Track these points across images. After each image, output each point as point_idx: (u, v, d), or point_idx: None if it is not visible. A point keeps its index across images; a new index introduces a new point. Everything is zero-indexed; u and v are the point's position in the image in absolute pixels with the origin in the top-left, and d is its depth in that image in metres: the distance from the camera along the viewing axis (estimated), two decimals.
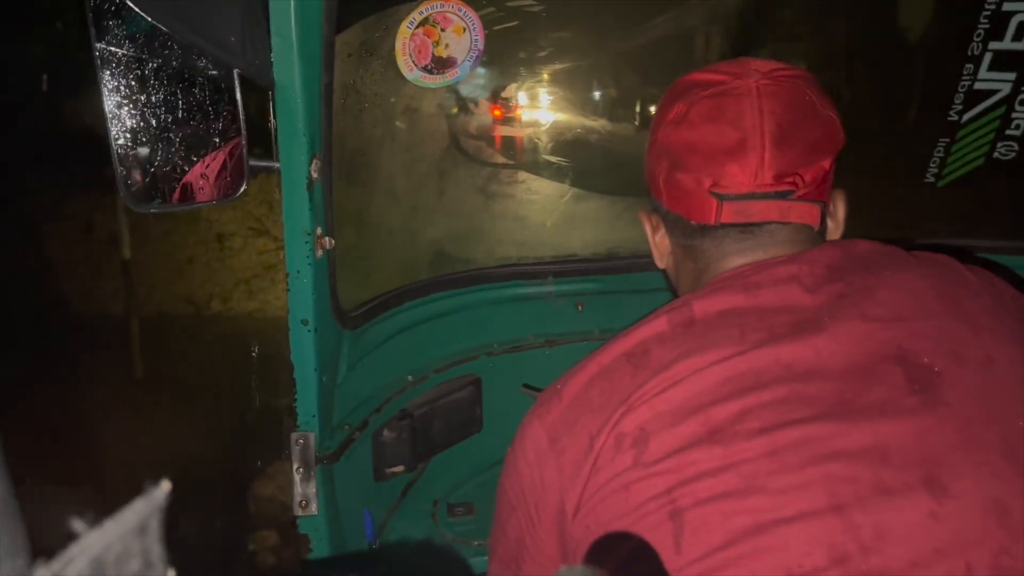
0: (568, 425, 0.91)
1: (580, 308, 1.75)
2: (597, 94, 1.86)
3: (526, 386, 1.60)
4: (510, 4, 1.41)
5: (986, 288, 0.93)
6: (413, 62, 1.30)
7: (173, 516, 0.37)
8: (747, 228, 0.98)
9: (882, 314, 0.87)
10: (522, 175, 1.79)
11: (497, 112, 1.74)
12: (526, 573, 0.97)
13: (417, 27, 1.28)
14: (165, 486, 0.37)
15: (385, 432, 1.40)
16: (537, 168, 1.88)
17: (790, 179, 0.94)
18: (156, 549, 0.37)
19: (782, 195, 0.95)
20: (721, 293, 0.93)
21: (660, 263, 1.11)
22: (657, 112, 1.06)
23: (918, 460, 0.77)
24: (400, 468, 1.43)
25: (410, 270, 1.67)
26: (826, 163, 0.96)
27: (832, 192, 1.02)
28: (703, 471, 0.80)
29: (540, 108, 1.80)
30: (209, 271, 7.05)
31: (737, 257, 0.99)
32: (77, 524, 0.34)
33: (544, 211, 1.83)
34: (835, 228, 1.04)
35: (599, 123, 1.90)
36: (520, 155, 1.83)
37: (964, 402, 0.80)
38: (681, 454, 0.81)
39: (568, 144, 1.89)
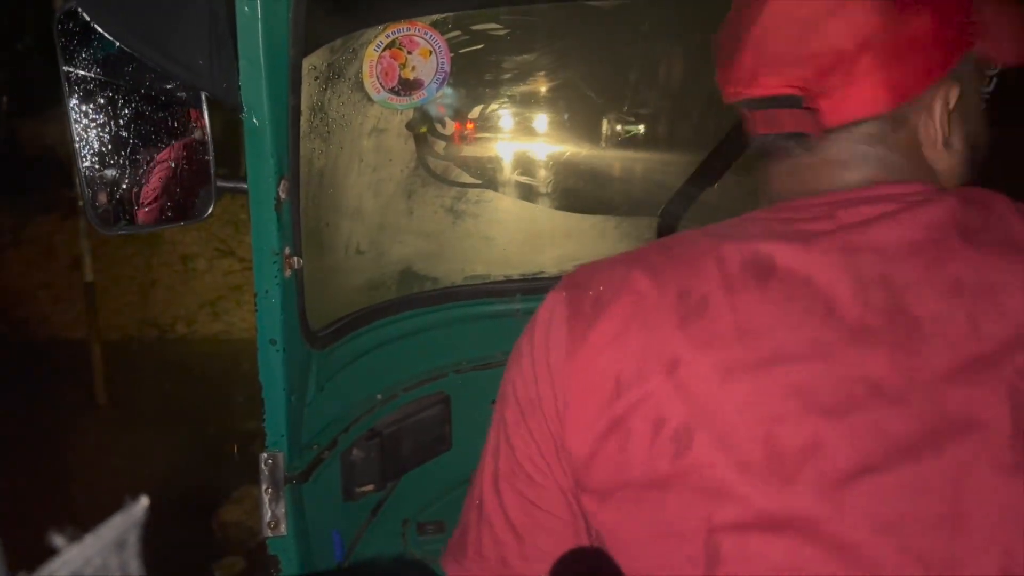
0: (588, 333, 0.74)
1: None
2: (562, 115, 1.89)
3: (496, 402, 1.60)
4: (475, 28, 1.44)
5: None
6: (380, 84, 1.32)
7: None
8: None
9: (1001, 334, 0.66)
10: (489, 195, 1.81)
11: (464, 133, 1.77)
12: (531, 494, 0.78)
13: (384, 50, 1.30)
14: (143, 502, 0.38)
15: (354, 451, 1.40)
16: (504, 188, 1.90)
17: None
18: (134, 564, 0.38)
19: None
20: (819, 240, 0.71)
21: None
22: None
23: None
24: (370, 487, 1.43)
25: (378, 289, 1.68)
26: None
27: None
28: (755, 518, 0.65)
29: (506, 129, 1.83)
30: (173, 293, 6.98)
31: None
32: (57, 539, 0.34)
33: (511, 230, 1.86)
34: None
35: (565, 143, 1.93)
36: (487, 175, 1.85)
37: None
38: (729, 475, 0.66)
39: (534, 164, 1.92)
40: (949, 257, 0.69)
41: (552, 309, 0.79)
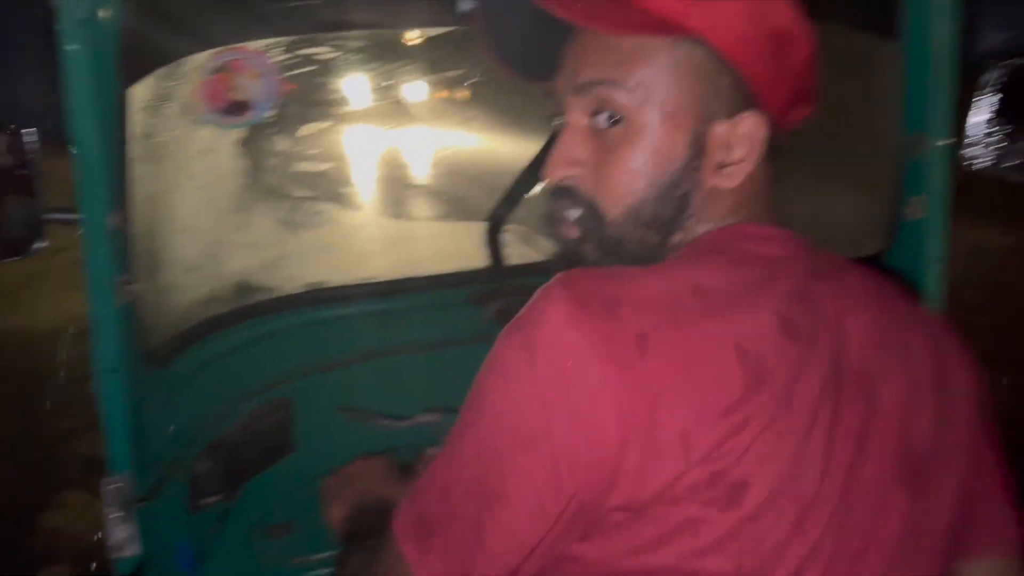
0: (630, 375, 0.70)
1: (388, 326, 1.84)
2: (391, 131, 1.96)
3: (342, 407, 1.66)
4: (304, 52, 1.49)
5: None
6: (209, 106, 1.35)
7: None
8: None
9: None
10: (323, 206, 1.86)
11: (296, 147, 1.80)
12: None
13: (212, 74, 1.32)
14: None
15: (198, 464, 1.43)
16: (337, 199, 1.95)
17: None
18: None
19: None
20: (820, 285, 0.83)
21: (711, 174, 0.85)
22: None
23: None
24: (215, 498, 1.46)
25: (216, 303, 1.69)
26: None
27: None
28: None
29: (338, 144, 1.88)
30: None
31: (769, 189, 0.89)
32: None
33: (346, 238, 1.91)
34: None
35: (394, 156, 2.01)
36: (320, 187, 1.90)
37: None
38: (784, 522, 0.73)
39: (365, 175, 1.98)
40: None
41: (566, 336, 0.71)
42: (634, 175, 0.84)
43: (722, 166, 0.84)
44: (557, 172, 0.87)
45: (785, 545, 0.73)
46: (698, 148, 0.83)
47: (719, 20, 0.81)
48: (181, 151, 1.45)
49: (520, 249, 2.09)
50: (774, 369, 0.73)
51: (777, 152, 0.87)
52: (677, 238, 0.86)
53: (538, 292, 0.74)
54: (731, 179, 0.84)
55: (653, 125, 0.82)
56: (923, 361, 0.85)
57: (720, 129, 0.83)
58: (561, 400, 0.70)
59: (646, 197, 0.84)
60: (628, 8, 0.83)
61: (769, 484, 0.72)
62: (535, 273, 1.91)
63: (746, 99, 0.84)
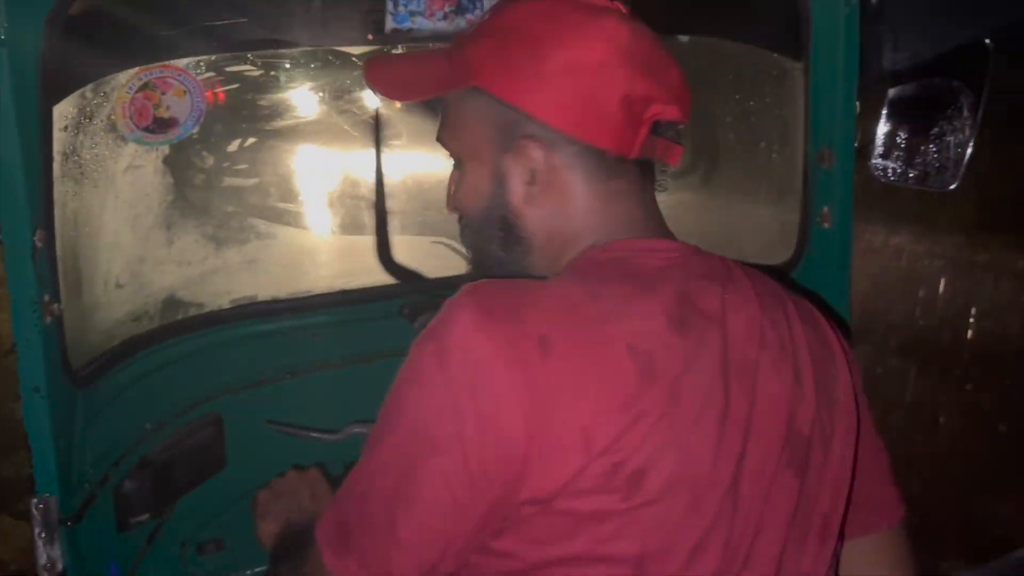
0: (536, 378, 0.75)
1: (318, 339, 1.84)
2: (318, 146, 1.98)
3: (270, 421, 1.66)
4: (231, 69, 1.49)
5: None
6: (134, 124, 1.35)
7: None
8: (644, 163, 0.93)
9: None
10: (251, 221, 1.86)
11: (223, 162, 1.80)
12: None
13: (137, 92, 1.33)
14: None
15: (127, 483, 1.42)
16: (265, 213, 1.96)
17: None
18: None
19: (678, 132, 0.93)
20: (709, 287, 0.87)
21: (520, 201, 0.92)
22: (558, 26, 0.89)
23: None
24: (145, 516, 1.45)
25: (142, 320, 1.68)
26: None
27: None
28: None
29: (265, 159, 1.89)
30: None
31: (636, 209, 0.93)
32: None
33: (275, 253, 1.91)
34: None
35: (322, 170, 2.02)
36: (248, 202, 1.90)
37: None
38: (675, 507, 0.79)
39: (292, 190, 1.99)
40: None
41: (473, 342, 0.76)
42: (463, 204, 0.98)
43: (525, 191, 0.92)
44: (448, 206, 1.01)
45: (683, 526, 0.79)
46: (498, 178, 0.92)
47: (485, 68, 0.90)
48: (107, 169, 1.45)
49: (449, 261, 2.12)
50: (664, 365, 0.79)
51: (626, 169, 0.91)
52: (543, 255, 0.94)
53: (447, 302, 0.80)
54: (537, 201, 0.92)
55: (466, 164, 0.96)
56: (804, 354, 0.91)
57: (510, 160, 0.91)
58: (470, 403, 0.75)
59: (473, 221, 0.98)
60: (417, 77, 0.97)
61: (665, 471, 0.77)
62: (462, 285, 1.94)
63: (526, 129, 0.90)
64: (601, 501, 0.76)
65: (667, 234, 0.95)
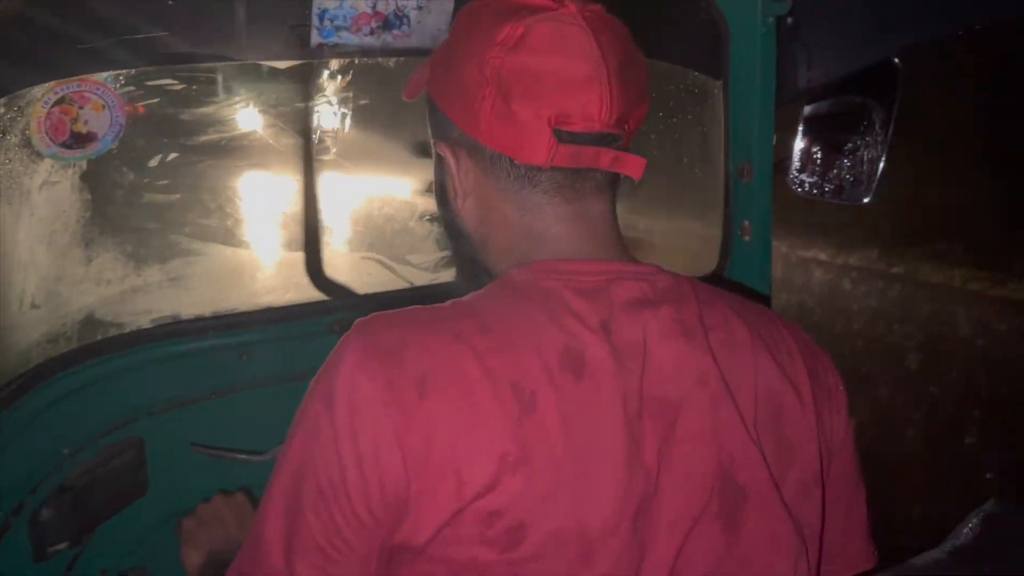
0: (413, 420, 0.73)
1: (245, 358, 1.81)
2: (242, 161, 1.95)
3: (195, 444, 1.62)
4: (151, 83, 1.47)
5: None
6: (50, 139, 1.31)
7: None
8: (574, 175, 0.87)
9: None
10: (175, 237, 1.82)
11: (144, 178, 1.76)
12: None
13: (53, 106, 1.29)
14: None
15: (43, 511, 1.37)
16: (188, 230, 1.91)
17: (625, 123, 0.86)
18: None
19: (615, 139, 0.86)
20: (625, 325, 0.80)
21: (459, 203, 0.92)
22: (471, 30, 0.88)
23: None
24: (63, 545, 1.40)
25: (58, 341, 1.62)
26: (646, 109, 0.90)
27: None
28: None
29: (188, 175, 1.85)
30: None
31: (559, 224, 0.88)
32: None
33: (198, 270, 1.87)
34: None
35: (247, 186, 1.99)
36: (170, 219, 1.86)
37: None
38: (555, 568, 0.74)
39: (216, 206, 1.95)
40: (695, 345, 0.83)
41: (356, 383, 0.75)
42: (436, 200, 1.01)
43: (456, 193, 0.93)
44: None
45: None
46: (440, 178, 0.96)
47: (432, 71, 0.96)
48: (21, 185, 1.40)
49: (379, 277, 2.11)
50: (551, 406, 0.75)
51: (547, 179, 0.87)
52: (490, 257, 0.93)
53: (342, 338, 0.79)
54: (467, 204, 0.92)
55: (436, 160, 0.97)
56: (751, 395, 0.84)
57: (440, 162, 0.95)
58: (352, 447, 0.74)
59: (438, 217, 1.01)
60: (414, 79, 1.02)
61: (549, 524, 0.74)
62: (393, 301, 1.93)
63: (451, 133, 0.91)
64: (478, 551, 0.73)
65: (607, 254, 0.88)
